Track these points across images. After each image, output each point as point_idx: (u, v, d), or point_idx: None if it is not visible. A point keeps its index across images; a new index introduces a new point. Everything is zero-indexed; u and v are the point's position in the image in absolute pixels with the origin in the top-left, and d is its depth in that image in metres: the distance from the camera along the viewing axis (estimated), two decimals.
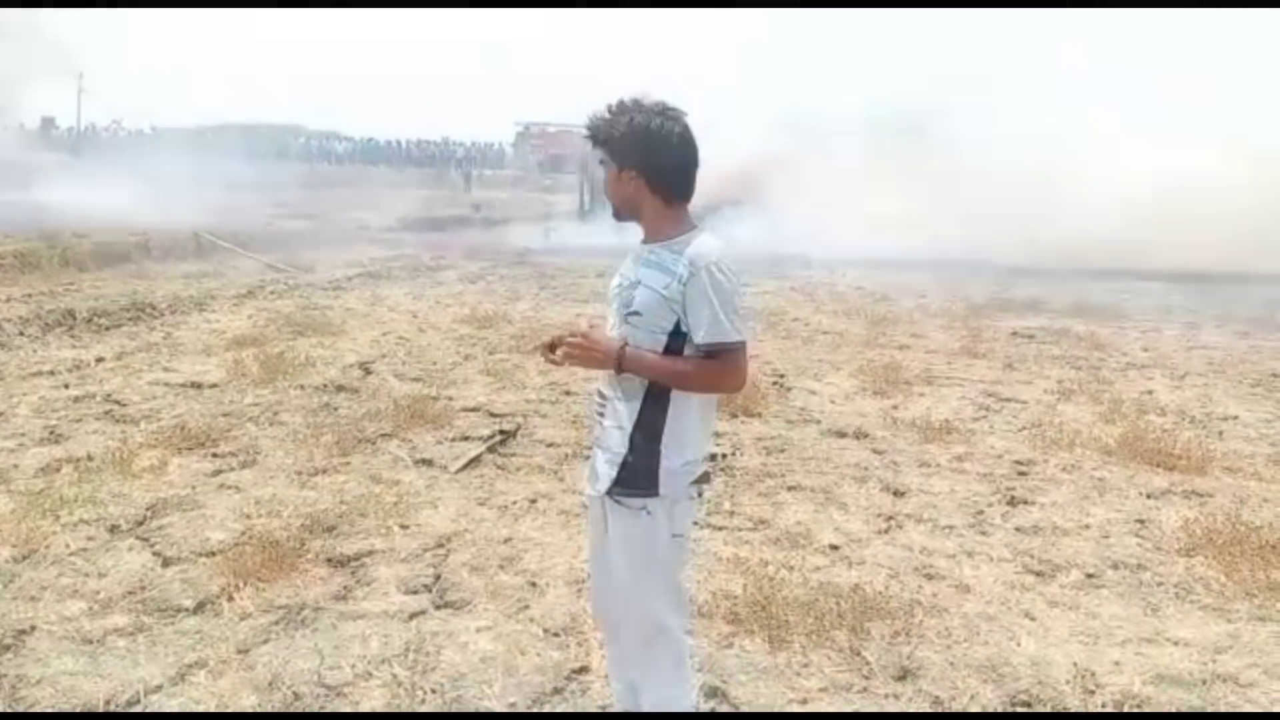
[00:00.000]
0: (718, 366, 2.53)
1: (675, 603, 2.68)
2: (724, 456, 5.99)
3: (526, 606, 3.98)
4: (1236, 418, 7.31)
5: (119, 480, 5.30)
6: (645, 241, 2.63)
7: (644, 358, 2.53)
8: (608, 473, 2.60)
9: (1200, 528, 4.86)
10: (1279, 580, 4.33)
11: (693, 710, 2.81)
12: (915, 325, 11.17)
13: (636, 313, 2.54)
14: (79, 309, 10.39)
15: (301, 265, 15.54)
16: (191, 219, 18.16)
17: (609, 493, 2.60)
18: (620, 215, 2.65)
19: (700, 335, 2.49)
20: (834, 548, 4.59)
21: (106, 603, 3.93)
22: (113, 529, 4.68)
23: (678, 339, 2.53)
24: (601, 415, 2.67)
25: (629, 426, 2.57)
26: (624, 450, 2.57)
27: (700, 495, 2.70)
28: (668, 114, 2.54)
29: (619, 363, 2.53)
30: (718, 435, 6.45)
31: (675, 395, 2.56)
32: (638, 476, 2.56)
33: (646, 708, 2.72)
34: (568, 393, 7.60)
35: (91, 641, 3.62)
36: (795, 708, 3.32)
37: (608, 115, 2.57)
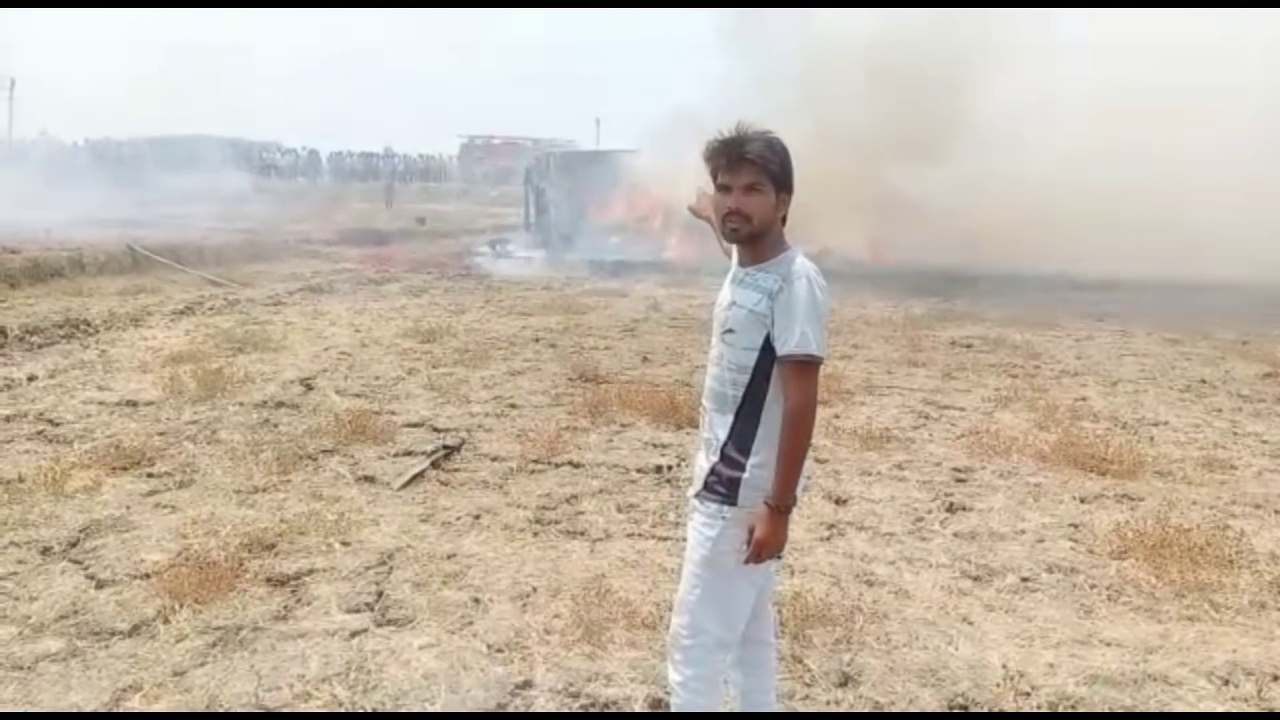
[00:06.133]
0: (796, 380, 2.57)
1: (723, 613, 2.72)
2: (669, 468, 6.02)
3: (470, 623, 3.97)
4: (1166, 423, 7.51)
5: (51, 501, 5.18)
6: (742, 265, 2.74)
7: (782, 483, 2.59)
8: (699, 477, 2.76)
9: (1131, 531, 4.99)
10: (1207, 581, 4.46)
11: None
12: (856, 335, 11.31)
13: (731, 330, 2.68)
14: (10, 326, 10.16)
15: (240, 280, 15.33)
16: (125, 233, 17.82)
17: (696, 495, 2.76)
18: (752, 237, 2.67)
19: (783, 347, 2.57)
20: (777, 557, 4.62)
21: (38, 627, 3.84)
22: (45, 551, 4.58)
23: (767, 355, 2.62)
24: (705, 425, 2.79)
25: (722, 437, 2.70)
26: (715, 459, 2.70)
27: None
28: None
29: (786, 511, 2.61)
30: (662, 446, 6.49)
31: (766, 412, 2.64)
32: (721, 485, 2.68)
33: (673, 711, 2.81)
34: (512, 406, 7.59)
35: (22, 667, 3.54)
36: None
37: (760, 143, 2.63)
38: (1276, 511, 5.50)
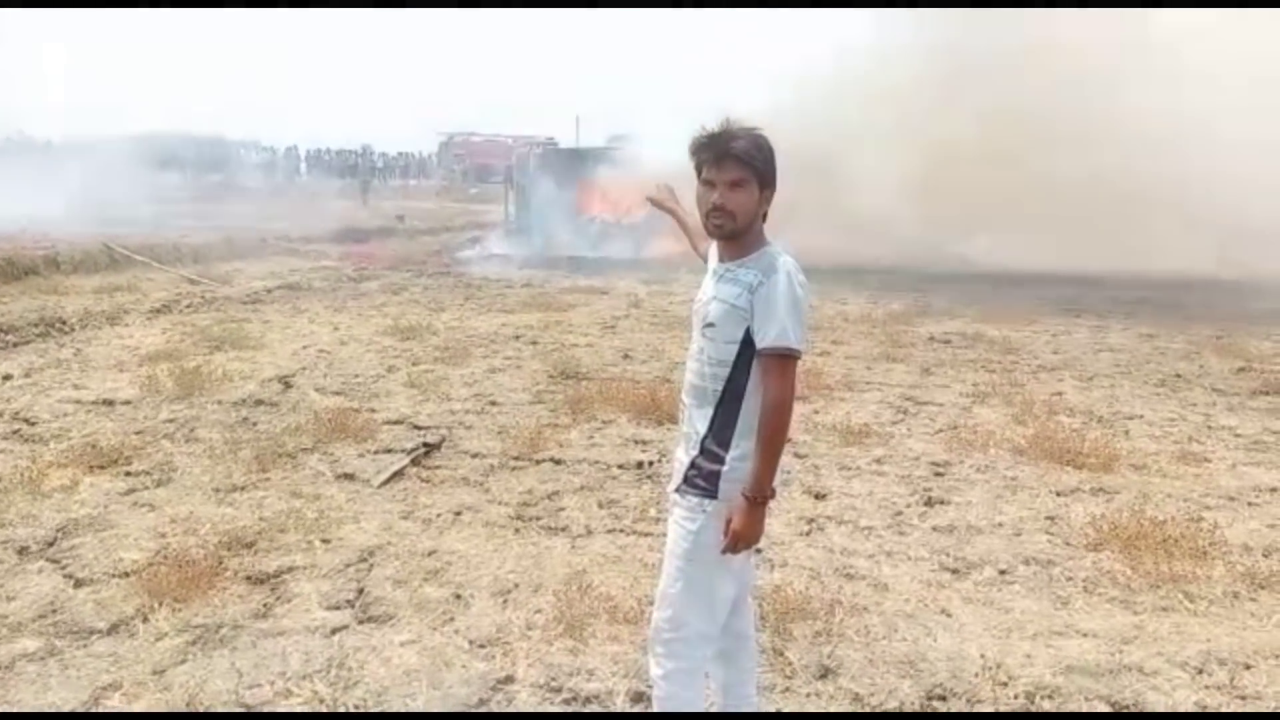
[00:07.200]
0: (775, 373, 2.59)
1: (705, 607, 2.75)
2: (650, 464, 6.04)
3: (451, 619, 3.97)
4: (1142, 417, 7.58)
5: (28, 501, 5.15)
6: (723, 260, 2.75)
7: (759, 475, 2.60)
8: (679, 471, 2.78)
9: (1107, 523, 5.04)
10: (1181, 572, 4.52)
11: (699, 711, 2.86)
12: (836, 332, 11.35)
13: (711, 324, 2.69)
14: None
15: (218, 277, 15.22)
16: (101, 231, 17.66)
17: (676, 489, 2.77)
18: (735, 233, 2.68)
19: (762, 341, 2.58)
20: (757, 550, 4.64)
21: (15, 627, 3.82)
22: (21, 551, 4.55)
23: (747, 349, 2.63)
24: (684, 420, 2.82)
25: (702, 431, 2.72)
26: (695, 453, 2.73)
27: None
28: None
29: (763, 503, 2.62)
30: (643, 442, 6.50)
31: (746, 406, 2.66)
32: (701, 478, 2.71)
33: (655, 704, 2.83)
34: (493, 403, 7.58)
35: (0, 667, 3.52)
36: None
37: (746, 140, 2.63)
38: (1250, 504, 5.57)
